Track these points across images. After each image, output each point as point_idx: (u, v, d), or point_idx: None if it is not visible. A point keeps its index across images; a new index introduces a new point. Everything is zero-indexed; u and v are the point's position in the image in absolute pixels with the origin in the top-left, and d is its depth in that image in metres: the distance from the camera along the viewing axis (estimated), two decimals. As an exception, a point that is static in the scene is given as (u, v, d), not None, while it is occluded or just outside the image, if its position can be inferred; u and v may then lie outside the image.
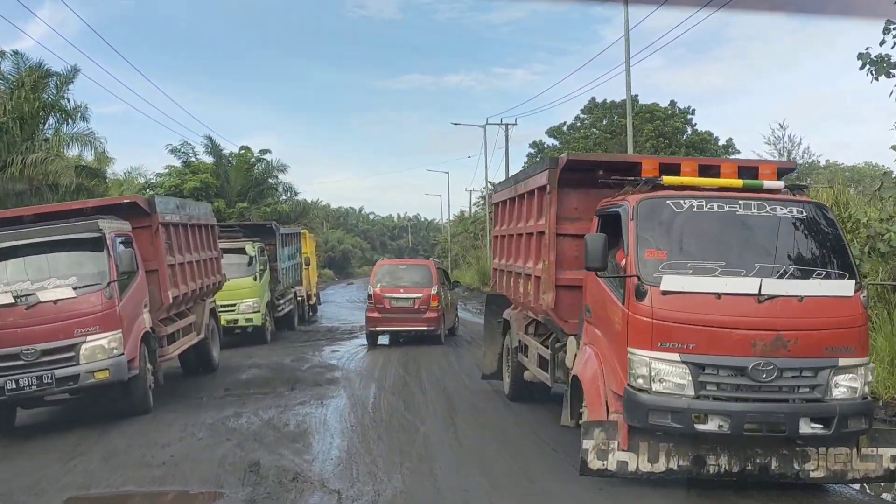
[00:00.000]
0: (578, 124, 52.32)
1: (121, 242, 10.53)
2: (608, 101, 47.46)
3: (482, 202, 55.89)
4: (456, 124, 55.72)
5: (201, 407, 11.05)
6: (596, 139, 44.58)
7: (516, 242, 10.47)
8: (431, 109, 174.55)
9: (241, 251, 18.15)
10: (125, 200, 11.32)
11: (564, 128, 53.89)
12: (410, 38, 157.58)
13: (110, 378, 9.74)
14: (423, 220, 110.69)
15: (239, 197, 36.48)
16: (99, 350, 9.71)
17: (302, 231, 25.91)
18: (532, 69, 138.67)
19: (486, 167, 48.90)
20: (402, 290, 17.87)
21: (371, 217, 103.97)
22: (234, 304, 17.99)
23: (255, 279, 18.25)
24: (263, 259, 18.87)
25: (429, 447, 8.44)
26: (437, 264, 22.37)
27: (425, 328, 17.88)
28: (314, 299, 27.69)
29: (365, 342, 18.59)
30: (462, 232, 60.93)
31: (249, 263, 18.31)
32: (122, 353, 9.91)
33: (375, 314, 17.84)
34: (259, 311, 18.23)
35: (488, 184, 51.59)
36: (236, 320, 18.04)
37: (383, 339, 18.81)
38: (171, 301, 11.63)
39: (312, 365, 14.92)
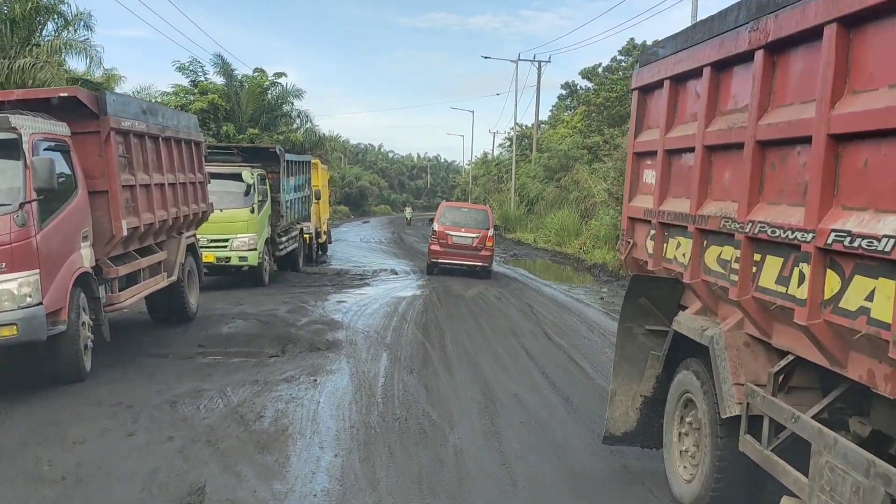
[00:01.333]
0: (615, 65, 48.67)
1: (48, 149, 7.58)
2: (647, 41, 43.62)
3: (508, 143, 52.52)
4: (486, 58, 52.06)
5: (155, 375, 8.21)
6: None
7: (740, 162, 4.54)
8: (456, 51, 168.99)
9: (238, 178, 15.16)
10: (62, 93, 8.30)
11: (600, 69, 50.30)
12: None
13: (18, 337, 6.89)
14: (443, 161, 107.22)
15: (250, 122, 33.33)
16: (5, 297, 6.86)
17: (313, 160, 22.86)
18: (560, 13, 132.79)
19: (515, 104, 45.52)
20: (462, 230, 19.72)
21: (391, 155, 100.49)
22: (226, 240, 15.11)
23: (252, 211, 15.31)
24: (264, 188, 15.89)
25: (464, 478, 5.55)
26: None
27: (479, 264, 19.78)
28: (324, 237, 24.81)
29: (377, 292, 15.96)
30: (484, 174, 57.63)
31: (247, 193, 15.35)
32: (40, 303, 7.04)
33: (437, 247, 19.77)
34: (255, 249, 15.33)
35: (517, 125, 48.17)
36: (228, 258, 15.16)
37: (399, 291, 16.03)
38: (125, 233, 8.70)
39: (312, 319, 12.05)
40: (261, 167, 16.26)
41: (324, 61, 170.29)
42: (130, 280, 9.41)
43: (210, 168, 14.80)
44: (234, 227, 15.13)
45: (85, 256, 8.02)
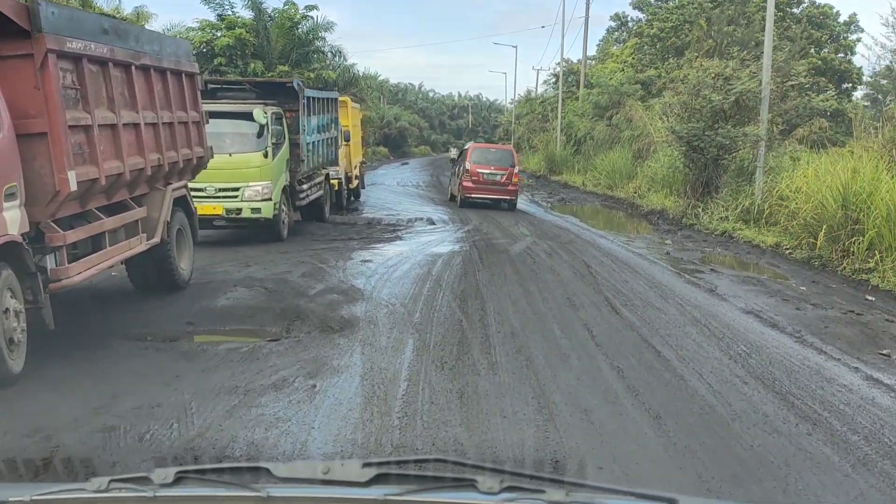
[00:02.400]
0: (668, -3, 45.00)
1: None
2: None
3: (553, 80, 49.45)
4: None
5: (105, 376, 6.24)
6: (692, 11, 37.43)
7: None
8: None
9: (248, 117, 13.03)
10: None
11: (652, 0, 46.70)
12: None
13: None
14: (484, 100, 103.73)
15: (280, 59, 31.08)
16: None
17: (342, 98, 20.64)
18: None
19: (562, 34, 42.38)
20: (492, 167, 21.60)
21: (431, 95, 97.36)
22: (236, 189, 13.09)
23: (265, 156, 13.22)
24: (279, 129, 13.74)
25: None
26: None
27: (507, 197, 21.66)
28: (356, 183, 22.70)
29: (409, 247, 13.91)
30: (528, 113, 54.68)
31: (260, 135, 13.24)
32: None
33: (470, 184, 21.57)
34: (270, 199, 13.29)
35: (563, 60, 45.09)
36: (239, 210, 13.16)
37: (434, 246, 13.94)
38: (73, 188, 6.65)
39: (329, 286, 10.00)
40: (276, 105, 14.12)
41: (363, 1, 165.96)
42: (90, 246, 7.42)
43: (217, 106, 12.80)
44: (245, 174, 13.10)
45: (10, 220, 6.01)
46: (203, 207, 12.74)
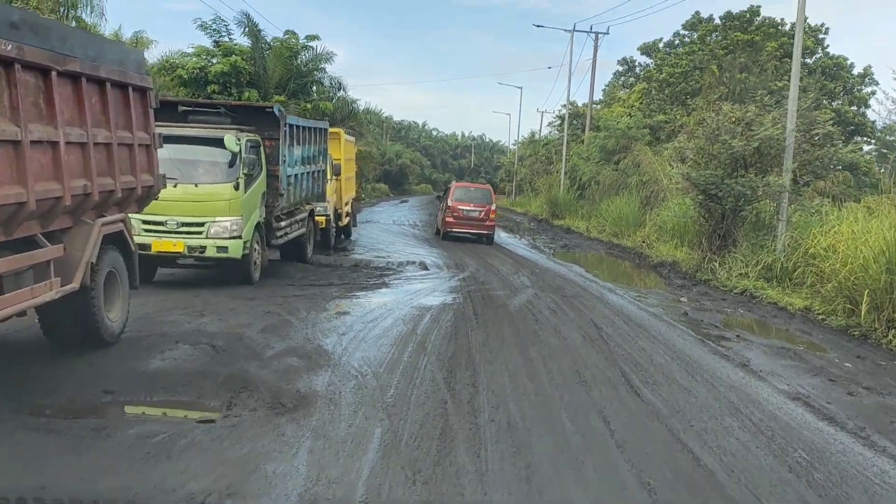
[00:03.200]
0: (677, 42, 44.09)
1: None
2: (713, 15, 39.08)
3: (558, 122, 48.24)
4: (539, 26, 47.66)
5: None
6: (702, 57, 36.28)
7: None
8: (504, 30, 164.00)
9: (220, 143, 11.45)
10: None
11: (661, 45, 45.77)
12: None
13: None
14: (487, 140, 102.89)
15: (277, 89, 29.74)
16: None
17: (334, 129, 19.16)
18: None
19: (569, 77, 41.07)
20: (471, 205, 23.30)
21: (434, 133, 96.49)
22: (201, 224, 11.45)
23: (236, 188, 11.60)
24: (254, 159, 12.12)
25: None
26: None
27: (485, 232, 23.31)
28: (346, 220, 21.11)
29: (396, 297, 12.26)
30: (531, 155, 53.41)
31: (232, 164, 11.66)
32: None
33: (451, 219, 23.28)
34: (240, 238, 11.64)
35: (569, 103, 43.87)
36: (203, 248, 11.49)
37: (424, 296, 12.29)
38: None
39: (290, 347, 8.29)
40: (254, 132, 12.55)
41: (370, 38, 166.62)
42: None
43: (184, 130, 11.24)
44: (212, 207, 11.48)
45: None
46: (161, 244, 11.21)
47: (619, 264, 21.27)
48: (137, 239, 10.86)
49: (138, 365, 7.28)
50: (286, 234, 13.66)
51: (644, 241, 23.13)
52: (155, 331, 8.52)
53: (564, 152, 38.68)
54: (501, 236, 27.78)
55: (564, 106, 44.10)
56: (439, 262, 17.50)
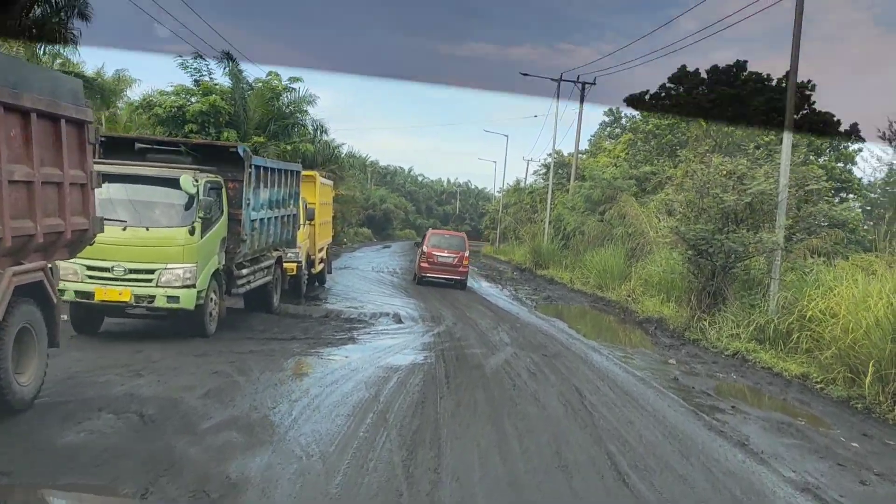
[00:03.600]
0: (663, 94, 43.92)
1: None
2: (699, 69, 38.92)
3: (543, 171, 47.79)
4: (525, 75, 47.37)
5: None
6: (689, 109, 36.01)
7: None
8: (493, 80, 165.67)
9: (175, 184, 10.51)
10: None
11: (647, 97, 45.59)
12: (478, 4, 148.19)
13: None
14: (473, 187, 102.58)
15: (257, 130, 28.96)
16: None
17: (308, 172, 18.32)
18: (600, 49, 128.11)
19: (555, 126, 40.61)
20: (445, 251, 23.75)
21: (420, 179, 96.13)
22: (151, 272, 10.43)
23: (191, 233, 10.62)
24: (212, 201, 11.15)
25: None
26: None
27: (458, 277, 23.72)
28: (320, 267, 20.14)
29: (362, 355, 11.24)
30: (516, 203, 52.84)
31: (188, 207, 10.71)
32: None
33: (426, 265, 23.70)
34: (193, 287, 10.61)
35: (554, 152, 43.44)
36: (152, 297, 10.46)
37: (393, 355, 11.25)
38: None
39: (232, 417, 7.24)
40: (216, 172, 11.63)
41: (355, 83, 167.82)
42: None
43: (136, 169, 10.31)
44: (164, 253, 10.49)
45: None
46: (105, 292, 10.21)
47: (604, 319, 20.37)
48: (79, 286, 9.94)
49: (47, 439, 6.23)
50: (248, 282, 12.67)
51: (629, 296, 22.26)
52: (78, 395, 7.46)
53: (549, 201, 38.05)
54: (483, 286, 26.87)
55: (550, 154, 43.70)
56: (415, 315, 16.51)
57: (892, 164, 35.06)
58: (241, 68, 29.91)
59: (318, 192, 18.84)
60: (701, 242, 15.92)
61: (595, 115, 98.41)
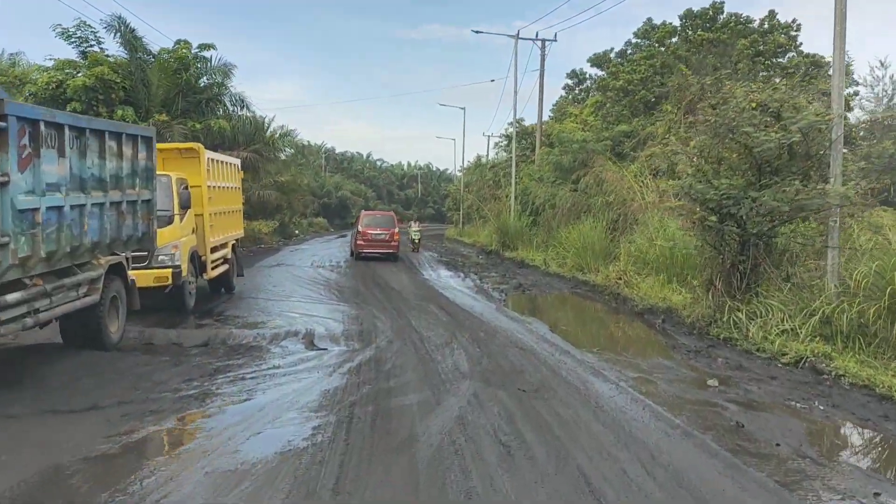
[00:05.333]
0: (630, 50, 39.28)
1: None
2: (666, 21, 34.27)
3: (505, 143, 42.91)
4: (478, 32, 42.13)
5: None
6: (666, 59, 31.33)
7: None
8: (451, 63, 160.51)
9: None
10: None
11: (612, 55, 40.92)
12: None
13: None
14: (434, 169, 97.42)
15: (162, 107, 23.66)
16: None
17: (188, 144, 13.30)
18: (558, 27, 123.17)
19: (515, 90, 35.63)
20: (378, 229, 27.22)
21: (379, 164, 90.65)
22: None
23: None
24: None
25: None
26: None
27: (390, 251, 26.97)
28: (223, 269, 15.05)
29: (197, 448, 6.14)
30: (478, 180, 47.91)
31: None
32: None
33: (362, 242, 26.74)
34: None
35: (516, 122, 38.49)
36: None
37: (271, 425, 6.21)
38: None
39: None
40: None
41: (315, 71, 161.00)
42: None
43: None
44: None
45: None
46: None
47: (594, 312, 15.58)
48: None
49: None
50: (30, 311, 7.55)
51: (620, 278, 17.49)
52: None
53: (514, 173, 33.17)
54: (442, 275, 21.97)
55: (511, 124, 38.76)
56: (337, 331, 11.55)
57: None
58: (140, 35, 24.58)
59: (206, 172, 13.74)
60: (728, 203, 11.15)
61: (557, 80, 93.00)
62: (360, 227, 26.94)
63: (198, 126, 22.75)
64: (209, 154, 14.27)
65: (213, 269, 14.11)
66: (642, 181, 22.25)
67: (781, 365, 9.56)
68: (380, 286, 18.14)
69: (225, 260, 15.20)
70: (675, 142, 13.57)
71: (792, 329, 10.26)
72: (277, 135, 30.44)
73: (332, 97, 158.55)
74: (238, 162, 17.20)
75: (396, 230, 27.23)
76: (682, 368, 9.63)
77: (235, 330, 11.26)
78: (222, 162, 15.37)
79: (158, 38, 67.30)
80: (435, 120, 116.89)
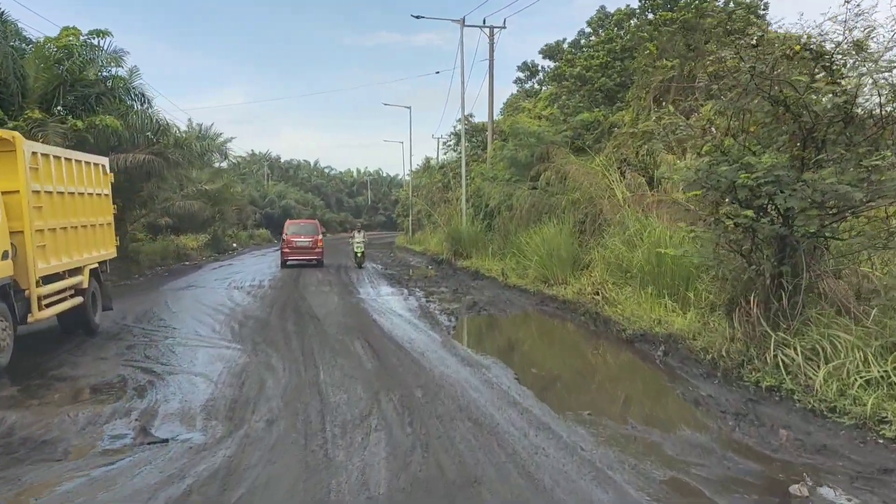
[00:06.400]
0: (583, 41, 36.17)
1: None
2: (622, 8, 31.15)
3: (454, 141, 39.19)
4: (418, 17, 38.71)
5: None
6: (627, 42, 28.00)
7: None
8: (399, 70, 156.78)
9: None
10: None
11: (565, 45, 37.77)
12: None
13: None
14: (385, 175, 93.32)
15: (41, 102, 19.32)
16: None
17: (5, 133, 9.20)
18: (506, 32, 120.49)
19: (462, 81, 32.00)
20: (302, 237, 27.70)
21: (327, 171, 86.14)
22: None
23: None
24: None
25: None
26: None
27: (315, 258, 27.34)
28: (67, 304, 10.89)
29: None
30: (427, 183, 44.11)
31: None
32: None
33: (287, 250, 27.19)
34: None
35: (465, 118, 34.81)
36: None
37: None
38: None
39: None
40: None
41: (263, 79, 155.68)
42: None
43: None
44: None
45: None
46: None
47: (570, 342, 11.88)
48: None
49: None
50: None
51: (598, 293, 13.83)
52: None
53: (464, 173, 29.42)
54: (382, 293, 18.10)
55: (459, 120, 35.07)
56: (201, 398, 7.61)
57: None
58: (14, 20, 20.24)
59: (28, 172, 9.62)
60: (770, 190, 7.50)
61: (507, 76, 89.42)
62: (285, 235, 27.65)
63: (80, 125, 18.44)
64: (37, 147, 10.16)
65: (47, 305, 9.97)
66: (610, 176, 18.69)
67: (882, 444, 5.92)
68: (298, 314, 14.18)
69: (77, 292, 11.07)
70: (672, 112, 9.86)
71: (880, 377, 6.64)
72: (195, 137, 26.07)
73: (278, 106, 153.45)
74: (105, 162, 13.02)
75: (320, 237, 27.92)
76: (731, 453, 5.92)
77: (37, 408, 7.22)
78: (70, 160, 11.24)
79: (47, 27, 61.85)
80: (383, 126, 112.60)
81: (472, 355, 10.05)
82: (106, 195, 12.90)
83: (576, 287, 15.31)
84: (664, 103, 21.21)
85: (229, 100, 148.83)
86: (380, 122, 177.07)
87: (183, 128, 30.70)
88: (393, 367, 9.14)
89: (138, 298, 16.99)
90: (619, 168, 19.30)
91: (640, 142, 20.77)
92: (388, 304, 16.06)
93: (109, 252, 12.84)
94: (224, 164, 41.23)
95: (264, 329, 12.32)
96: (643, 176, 17.79)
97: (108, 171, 13.08)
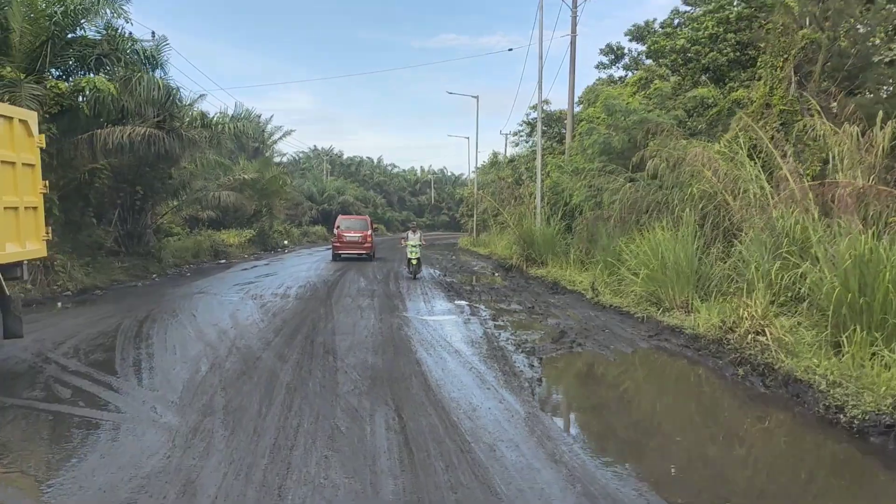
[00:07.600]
0: (678, 20, 30.59)
1: None
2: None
3: (527, 132, 34.28)
4: None
5: None
6: (735, 21, 22.65)
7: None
8: (465, 71, 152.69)
9: None
10: None
11: (656, 25, 32.24)
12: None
13: None
14: (449, 174, 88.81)
15: (30, 61, 15.39)
16: None
17: None
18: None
19: (540, 57, 27.22)
20: (353, 232, 28.86)
21: (390, 169, 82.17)
22: None
23: None
24: None
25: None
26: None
27: (365, 252, 28.52)
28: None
29: None
30: (495, 180, 39.24)
31: None
32: None
33: (338, 244, 28.53)
34: None
35: (542, 102, 29.82)
36: None
37: None
38: None
39: None
40: None
41: (333, 85, 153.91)
42: None
43: None
44: None
45: None
46: None
47: (737, 421, 6.92)
48: None
49: None
50: None
51: (759, 330, 8.83)
52: None
53: (539, 164, 24.53)
54: (434, 312, 13.48)
55: (533, 107, 30.16)
56: None
57: None
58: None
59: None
60: None
61: (588, 62, 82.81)
62: (336, 229, 28.85)
63: (62, 87, 14.37)
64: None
65: None
66: (746, 165, 13.57)
67: None
68: (310, 346, 9.64)
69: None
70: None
71: None
72: (230, 118, 21.85)
73: (346, 104, 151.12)
74: (30, 118, 8.70)
75: (370, 232, 29.05)
76: None
77: None
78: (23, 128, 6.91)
79: None
80: (448, 127, 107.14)
81: (584, 460, 5.26)
82: (30, 166, 8.60)
83: (708, 316, 10.35)
84: (811, 77, 16.03)
85: (301, 102, 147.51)
86: (446, 121, 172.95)
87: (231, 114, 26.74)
88: (437, 489, 4.46)
89: (112, 311, 12.81)
90: (748, 154, 14.25)
91: (779, 121, 15.66)
92: (442, 330, 11.37)
93: (29, 250, 8.52)
94: (279, 158, 37.23)
95: (244, 376, 7.80)
96: (809, 162, 12.66)
97: (33, 131, 8.75)
